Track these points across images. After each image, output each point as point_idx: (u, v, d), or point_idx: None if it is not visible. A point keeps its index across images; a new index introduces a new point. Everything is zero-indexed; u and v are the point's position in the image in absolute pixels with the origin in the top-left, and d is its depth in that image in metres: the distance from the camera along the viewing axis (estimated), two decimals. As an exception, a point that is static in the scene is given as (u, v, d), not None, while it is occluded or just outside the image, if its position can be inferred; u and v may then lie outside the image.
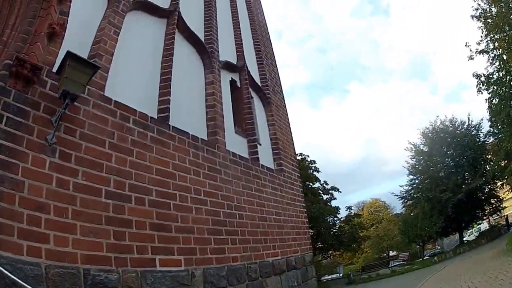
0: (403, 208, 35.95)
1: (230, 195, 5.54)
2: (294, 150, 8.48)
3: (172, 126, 4.93)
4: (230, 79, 6.91)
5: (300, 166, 19.41)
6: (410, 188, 32.28)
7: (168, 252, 4.33)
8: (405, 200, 33.56)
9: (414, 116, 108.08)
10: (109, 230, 3.83)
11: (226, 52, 6.96)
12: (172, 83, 5.26)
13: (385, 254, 44.56)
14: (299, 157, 21.62)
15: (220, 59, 6.51)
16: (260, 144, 6.95)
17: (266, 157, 7.01)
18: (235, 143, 6.22)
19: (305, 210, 8.06)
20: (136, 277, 3.91)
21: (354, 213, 32.75)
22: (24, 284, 3.05)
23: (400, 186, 33.23)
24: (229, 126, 6.23)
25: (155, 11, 5.80)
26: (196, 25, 6.48)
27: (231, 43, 7.53)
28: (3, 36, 4.20)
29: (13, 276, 3.03)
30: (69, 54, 3.54)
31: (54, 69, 3.84)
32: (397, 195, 33.71)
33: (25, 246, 3.20)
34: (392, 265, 30.57)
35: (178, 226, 4.55)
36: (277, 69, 9.41)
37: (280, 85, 9.08)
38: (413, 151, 31.31)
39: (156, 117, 4.85)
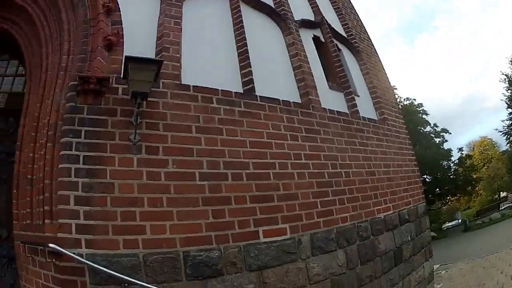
0: (508, 145, 31.74)
1: (333, 153, 5.17)
2: (394, 96, 7.69)
3: (260, 96, 4.64)
4: (312, 36, 6.38)
5: (407, 110, 18.09)
6: (510, 122, 27.99)
7: (271, 222, 4.13)
8: (508, 136, 29.52)
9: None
10: (207, 210, 3.76)
11: (300, 10, 6.44)
12: (250, 54, 4.91)
13: (496, 196, 39.93)
14: (406, 101, 20.07)
15: (295, 19, 6.03)
16: (358, 96, 6.39)
17: (366, 108, 6.44)
18: (331, 99, 5.76)
19: (414, 157, 7.32)
20: (239, 251, 3.82)
21: (466, 154, 29.84)
22: (120, 275, 3.18)
23: (502, 121, 29.17)
24: (321, 83, 5.75)
25: None
26: None
27: (303, 1, 6.95)
28: (61, 63, 4.26)
29: (108, 270, 3.18)
30: (128, 58, 3.54)
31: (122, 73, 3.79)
32: (501, 131, 29.76)
33: (121, 241, 3.32)
34: (502, 208, 27.49)
35: (280, 194, 4.30)
36: (358, 17, 8.59)
37: (366, 32, 8.27)
38: (506, 82, 27.21)
39: (241, 91, 4.60)
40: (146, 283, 3.29)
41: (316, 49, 6.27)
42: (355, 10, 8.61)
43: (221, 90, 4.36)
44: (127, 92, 3.61)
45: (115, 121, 3.63)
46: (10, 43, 5.51)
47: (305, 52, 5.62)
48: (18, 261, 4.26)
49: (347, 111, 5.84)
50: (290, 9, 6.04)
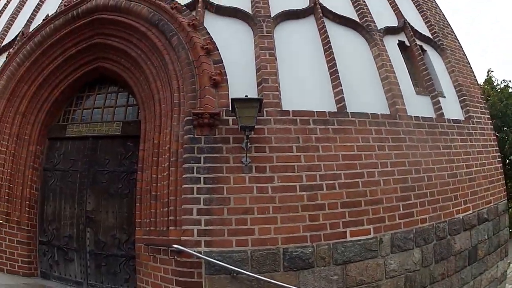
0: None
1: (417, 159, 5.20)
2: (480, 91, 7.17)
3: (351, 112, 4.86)
4: (397, 42, 6.22)
5: (504, 95, 16.27)
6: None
7: (358, 224, 4.44)
8: None
9: None
10: (304, 215, 4.22)
11: (383, 16, 6.28)
12: (340, 71, 5.07)
13: None
14: (501, 84, 17.90)
15: (378, 28, 5.93)
16: (444, 97, 6.21)
17: (451, 108, 6.20)
18: (418, 105, 5.68)
19: (498, 154, 6.92)
20: (328, 248, 4.22)
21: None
22: (230, 266, 3.89)
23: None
24: (408, 90, 5.68)
25: (298, 15, 5.65)
26: (341, 4, 6.04)
27: (383, 4, 6.72)
28: (174, 99, 4.81)
29: (221, 263, 3.89)
30: (234, 99, 4.14)
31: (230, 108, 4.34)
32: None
33: (234, 241, 4.02)
34: None
35: (367, 199, 4.57)
36: (440, 9, 7.95)
37: (449, 25, 7.68)
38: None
39: (335, 110, 4.84)
40: (251, 273, 3.91)
41: (402, 53, 6.16)
42: (436, 3, 8.05)
43: (317, 111, 4.71)
44: (237, 123, 4.20)
45: (229, 148, 4.29)
46: (117, 78, 6.26)
47: (390, 62, 5.61)
48: (137, 259, 4.97)
49: (432, 116, 5.77)
50: (372, 18, 6.02)
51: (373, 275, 4.34)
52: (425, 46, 6.70)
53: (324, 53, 5.26)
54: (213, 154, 4.23)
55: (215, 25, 5.24)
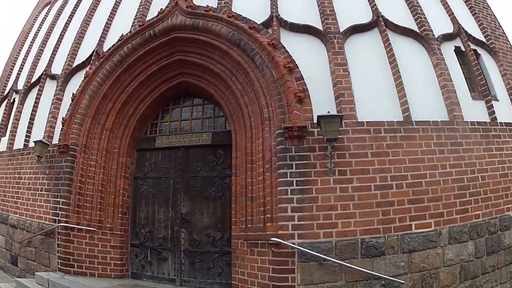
0: None
1: (472, 161, 5.67)
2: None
3: (415, 121, 5.44)
4: (454, 48, 6.57)
5: None
6: None
7: (421, 218, 5.05)
8: None
9: None
10: (378, 211, 4.96)
11: (438, 22, 6.61)
12: (404, 82, 5.60)
13: None
14: None
15: (436, 36, 6.28)
16: (497, 100, 6.57)
17: (504, 111, 6.51)
18: (473, 110, 6.08)
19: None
20: (397, 239, 4.91)
21: None
22: (318, 254, 4.67)
23: None
24: (465, 96, 6.10)
25: (363, 28, 6.16)
26: (401, 15, 6.47)
27: (438, 10, 7.03)
28: (263, 114, 5.59)
29: (311, 252, 4.69)
30: (319, 116, 4.89)
31: (315, 120, 5.15)
32: None
33: (321, 233, 4.82)
34: None
35: (429, 197, 5.14)
36: (491, 10, 8.08)
37: (500, 27, 7.84)
38: None
39: (401, 119, 5.45)
40: (335, 260, 4.69)
41: (458, 59, 6.54)
42: (487, 3, 8.22)
43: (386, 121, 5.39)
44: (321, 134, 4.99)
45: (315, 155, 5.09)
46: (201, 92, 6.98)
47: (448, 70, 6.01)
48: (234, 253, 5.70)
49: (486, 120, 6.15)
50: (430, 26, 6.37)
51: (433, 263, 4.94)
52: (479, 50, 7.00)
53: (390, 65, 5.80)
54: (302, 161, 5.02)
55: (290, 43, 5.86)
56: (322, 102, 5.33)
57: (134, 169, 7.27)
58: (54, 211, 6.68)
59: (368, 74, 5.72)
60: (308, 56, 5.79)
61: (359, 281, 4.70)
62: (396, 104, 5.53)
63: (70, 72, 7.95)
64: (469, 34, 6.97)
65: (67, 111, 7.06)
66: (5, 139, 9.17)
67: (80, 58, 8.05)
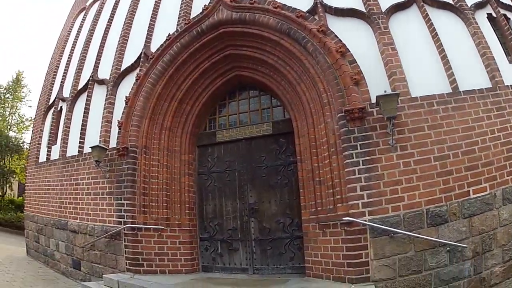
0: None
1: (517, 124, 5.94)
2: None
3: (462, 91, 5.61)
4: (486, 15, 6.65)
5: None
6: None
7: (477, 184, 5.24)
8: None
9: None
10: (439, 181, 5.15)
11: None
12: (447, 54, 5.80)
13: None
14: None
15: (469, 6, 6.38)
16: (531, 62, 6.72)
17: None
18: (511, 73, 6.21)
19: None
20: (458, 205, 5.10)
21: None
22: (389, 228, 4.92)
23: None
24: (502, 61, 6.13)
25: (403, 6, 6.27)
26: None
27: None
28: (323, 99, 5.80)
29: (381, 226, 4.93)
30: (378, 97, 5.11)
31: (372, 100, 5.39)
32: None
33: (389, 208, 5.04)
34: None
35: (482, 162, 5.30)
36: None
37: None
38: None
39: (450, 91, 5.61)
40: (404, 231, 4.92)
41: (492, 25, 6.63)
42: None
43: (437, 94, 5.56)
44: (381, 114, 5.21)
45: (377, 134, 5.29)
46: (256, 84, 7.24)
47: (485, 38, 6.11)
48: (305, 237, 5.98)
49: (525, 81, 6.34)
50: None
51: (491, 224, 5.14)
52: (509, 15, 7.06)
53: (432, 39, 5.94)
54: (366, 141, 5.22)
55: (337, 27, 6.02)
56: (376, 82, 5.52)
57: (197, 165, 7.56)
58: (118, 213, 6.94)
59: (414, 50, 5.87)
60: (355, 38, 5.94)
61: (426, 250, 4.94)
62: (443, 76, 5.68)
63: (119, 76, 8.20)
64: (498, 0, 7.03)
65: (122, 114, 7.31)
66: (56, 147, 9.53)
67: (127, 61, 8.29)
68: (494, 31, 6.55)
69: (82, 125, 8.56)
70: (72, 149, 8.74)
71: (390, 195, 5.03)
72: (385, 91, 5.09)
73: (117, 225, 6.91)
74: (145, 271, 6.60)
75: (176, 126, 7.37)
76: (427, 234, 4.97)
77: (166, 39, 7.36)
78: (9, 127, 24.28)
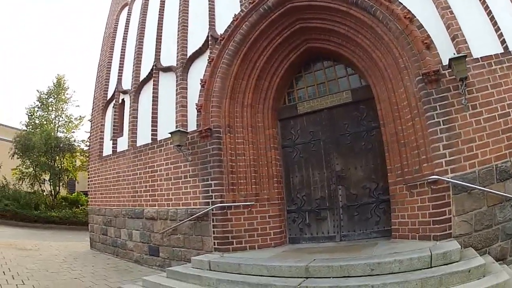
0: None
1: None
2: None
3: (509, 51, 6.51)
4: None
5: None
6: None
7: None
8: None
9: None
10: (503, 137, 6.20)
11: None
12: (495, 16, 6.66)
13: None
14: None
15: None
16: None
17: None
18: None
19: None
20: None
21: None
22: (467, 184, 5.96)
23: None
24: None
25: None
26: None
27: None
28: (399, 64, 6.97)
29: (462, 183, 6.00)
30: (451, 59, 6.16)
31: (443, 63, 6.48)
32: None
33: (467, 165, 6.13)
34: None
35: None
36: None
37: None
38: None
39: (502, 51, 6.55)
40: (479, 187, 5.97)
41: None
42: None
43: (493, 54, 6.56)
44: (452, 75, 6.36)
45: (452, 94, 6.40)
46: (328, 54, 8.62)
47: None
48: (392, 199, 7.18)
49: None
50: None
51: None
52: None
53: (479, 1, 6.84)
54: (443, 102, 6.33)
55: None
56: (441, 45, 6.60)
57: (280, 139, 9.12)
58: (205, 194, 8.32)
59: (466, 12, 6.80)
60: (415, 4, 6.93)
61: (496, 205, 5.94)
62: (495, 37, 6.63)
63: (187, 61, 9.76)
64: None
65: (199, 97, 8.86)
66: (122, 139, 11.29)
67: (193, 45, 9.82)
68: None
69: (152, 114, 10.16)
70: (143, 138, 10.36)
71: (467, 153, 6.12)
72: (454, 53, 6.31)
73: (204, 206, 8.26)
74: (234, 248, 7.85)
75: (256, 102, 8.93)
76: (496, 189, 5.95)
77: (233, 20, 8.71)
78: (57, 128, 28.96)
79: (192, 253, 8.33)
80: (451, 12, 6.82)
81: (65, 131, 29.54)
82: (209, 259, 7.15)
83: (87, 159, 16.76)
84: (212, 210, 8.16)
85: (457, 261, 5.13)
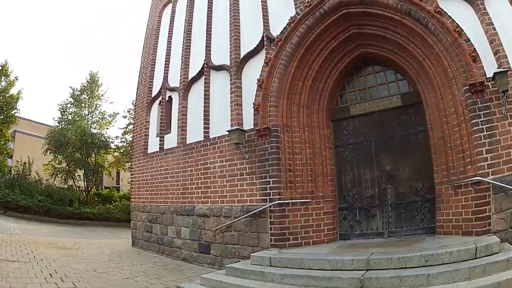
0: None
1: None
2: None
3: None
4: None
5: None
6: None
7: None
8: None
9: None
10: None
11: None
12: None
13: None
14: None
15: None
16: None
17: None
18: None
19: None
20: None
21: None
22: (507, 186, 7.35)
23: None
24: None
25: None
26: None
27: None
28: (448, 74, 8.50)
29: (501, 184, 7.44)
30: (495, 73, 7.64)
31: (487, 75, 8.02)
32: None
33: (505, 168, 7.58)
34: None
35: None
36: None
37: None
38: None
39: None
40: None
41: None
42: None
43: None
44: (495, 87, 7.87)
45: (494, 104, 7.99)
46: (380, 59, 10.31)
47: None
48: (438, 198, 8.81)
49: None
50: None
51: None
52: None
53: None
54: (486, 110, 7.82)
55: (445, 8, 8.52)
56: (485, 59, 8.01)
57: (333, 139, 10.85)
58: (263, 192, 9.78)
59: (504, 28, 8.14)
60: (462, 19, 8.41)
61: None
62: None
63: (242, 60, 11.54)
64: None
65: (256, 96, 10.49)
66: (170, 136, 13.06)
67: (247, 46, 11.54)
68: None
69: (204, 111, 11.89)
70: (193, 136, 12.06)
71: (505, 157, 7.56)
72: (498, 68, 7.73)
73: (261, 203, 9.72)
74: (290, 245, 9.30)
75: (312, 103, 10.62)
76: (529, 190, 7.58)
77: (289, 22, 10.43)
78: (90, 125, 32.72)
79: (247, 250, 9.76)
80: (494, 29, 8.26)
81: (98, 127, 33.16)
82: (268, 255, 8.46)
83: (121, 155, 18.52)
84: (270, 207, 9.61)
85: (497, 253, 6.62)
